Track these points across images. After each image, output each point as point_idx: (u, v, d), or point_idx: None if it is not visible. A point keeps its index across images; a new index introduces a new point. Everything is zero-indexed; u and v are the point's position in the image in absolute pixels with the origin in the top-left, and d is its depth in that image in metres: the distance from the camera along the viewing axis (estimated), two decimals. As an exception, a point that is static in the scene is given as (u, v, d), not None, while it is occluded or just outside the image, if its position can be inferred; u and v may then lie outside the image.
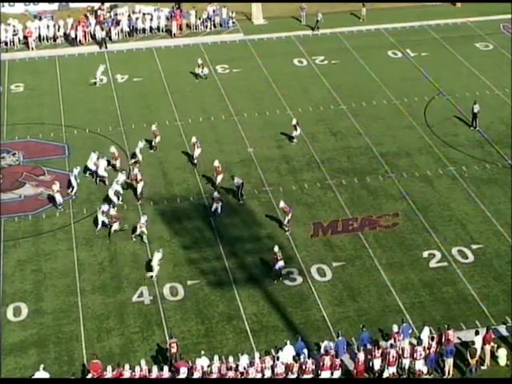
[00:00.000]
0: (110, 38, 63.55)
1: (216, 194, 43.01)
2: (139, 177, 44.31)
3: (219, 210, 42.64)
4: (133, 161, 46.61)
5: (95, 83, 56.84)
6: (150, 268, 38.65)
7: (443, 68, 58.59)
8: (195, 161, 47.24)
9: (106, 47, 62.75)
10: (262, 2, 67.43)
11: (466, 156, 47.79)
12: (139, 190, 44.07)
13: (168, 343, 33.75)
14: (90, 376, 31.96)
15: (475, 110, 49.98)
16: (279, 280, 38.29)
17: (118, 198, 43.59)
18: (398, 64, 59.89)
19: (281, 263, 38.19)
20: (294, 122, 49.31)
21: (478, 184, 45.22)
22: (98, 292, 37.92)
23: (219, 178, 44.53)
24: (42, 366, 32.54)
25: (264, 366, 32.37)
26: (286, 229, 41.23)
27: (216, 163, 44.71)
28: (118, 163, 46.19)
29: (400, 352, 32.82)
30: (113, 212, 41.54)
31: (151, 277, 38.41)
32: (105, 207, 41.74)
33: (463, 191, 44.67)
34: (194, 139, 47.47)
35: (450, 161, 47.33)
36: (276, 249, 38.25)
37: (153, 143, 48.19)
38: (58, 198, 43.08)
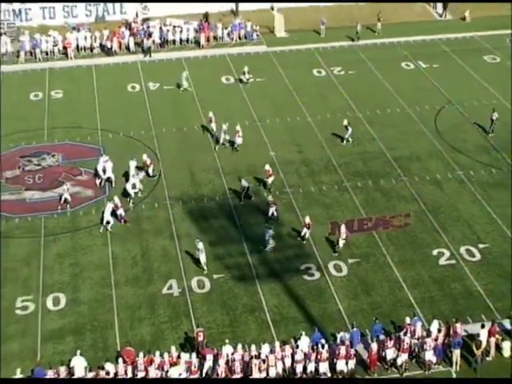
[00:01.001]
0: (143, 49, 63.81)
1: (270, 197, 42.98)
2: (149, 161, 45.71)
3: (275, 213, 42.34)
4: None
5: (179, 87, 56.89)
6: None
7: (453, 79, 58.44)
8: (237, 147, 48.95)
9: (151, 56, 63.03)
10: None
11: (474, 161, 47.72)
12: (151, 172, 45.74)
13: (195, 332, 33.96)
14: (121, 362, 32.20)
15: (493, 118, 49.94)
16: (337, 252, 39.79)
17: (136, 192, 44.13)
18: (410, 75, 59.76)
19: (342, 242, 39.69)
20: (346, 122, 49.58)
21: (485, 187, 45.16)
22: (130, 284, 38.21)
23: (270, 180, 44.65)
24: (78, 351, 32.88)
25: (284, 354, 32.57)
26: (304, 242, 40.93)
27: (267, 167, 44.80)
28: (150, 170, 46.27)
29: (412, 333, 33.24)
30: (116, 200, 42.32)
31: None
32: (110, 206, 42.06)
33: (471, 194, 44.64)
34: (237, 127, 48.78)
35: (458, 165, 47.28)
36: (343, 226, 39.66)
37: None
38: (67, 197, 43.65)
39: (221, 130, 49.26)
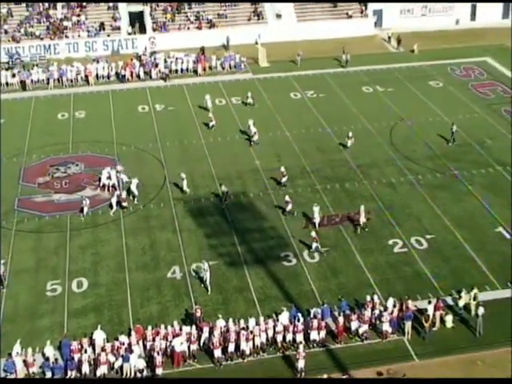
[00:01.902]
0: (151, 77, 63.57)
1: (287, 197, 42.36)
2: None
3: (290, 208, 42.01)
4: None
5: (206, 109, 55.73)
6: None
7: (404, 100, 58.46)
8: (253, 143, 50.59)
9: (166, 81, 62.71)
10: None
11: (422, 167, 47.71)
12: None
13: (194, 309, 33.88)
14: (133, 334, 32.00)
15: (453, 130, 50.10)
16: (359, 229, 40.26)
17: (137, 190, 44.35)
18: (370, 97, 59.70)
19: (363, 221, 40.41)
20: (350, 134, 49.48)
21: (431, 189, 45.16)
22: (140, 270, 38.05)
23: (284, 179, 44.90)
24: (99, 326, 32.76)
25: (267, 326, 32.48)
26: (323, 252, 38.72)
27: (282, 169, 45.18)
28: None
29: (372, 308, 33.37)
30: (123, 195, 42.94)
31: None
32: (116, 194, 42.88)
33: (419, 194, 44.62)
34: (254, 129, 50.72)
35: (409, 171, 47.26)
36: (362, 207, 40.73)
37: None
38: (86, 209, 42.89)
39: (252, 131, 50.91)
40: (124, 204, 42.93)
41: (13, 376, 30.89)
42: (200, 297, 35.75)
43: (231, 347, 31.92)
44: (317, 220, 40.66)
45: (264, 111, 56.83)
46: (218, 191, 44.83)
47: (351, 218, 41.37)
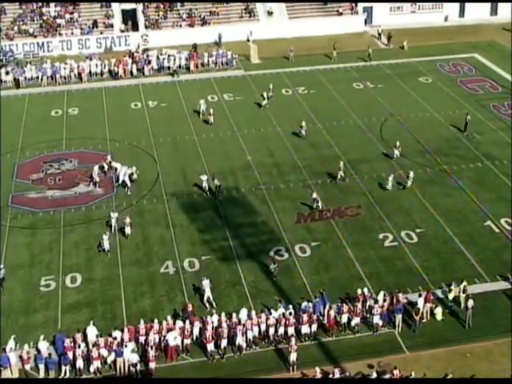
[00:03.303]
0: (144, 74, 63.28)
1: (314, 195, 41.96)
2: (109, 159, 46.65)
3: (320, 204, 41.77)
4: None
5: (200, 114, 54.23)
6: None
7: (394, 96, 58.34)
8: (302, 136, 50.92)
9: (178, 76, 62.48)
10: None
11: (412, 162, 47.61)
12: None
13: (187, 303, 33.66)
14: (126, 330, 31.79)
15: (467, 119, 50.28)
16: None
17: (131, 181, 44.39)
18: (360, 93, 59.56)
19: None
20: (398, 144, 47.86)
21: (421, 183, 45.05)
22: (134, 265, 37.82)
23: (339, 175, 44.72)
24: (92, 321, 32.56)
25: (260, 320, 32.33)
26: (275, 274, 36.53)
27: (341, 164, 44.95)
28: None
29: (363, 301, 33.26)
30: (127, 220, 40.10)
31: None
32: (114, 215, 40.56)
33: (409, 189, 44.46)
34: (303, 123, 51.05)
35: (399, 166, 47.16)
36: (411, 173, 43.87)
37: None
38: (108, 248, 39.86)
39: (301, 128, 50.85)
40: (127, 230, 39.78)
41: (7, 370, 30.68)
42: (193, 291, 35.55)
43: (224, 341, 31.72)
44: (389, 186, 43.53)
45: (255, 107, 56.55)
46: (211, 185, 44.52)
47: (344, 212, 41.21)
